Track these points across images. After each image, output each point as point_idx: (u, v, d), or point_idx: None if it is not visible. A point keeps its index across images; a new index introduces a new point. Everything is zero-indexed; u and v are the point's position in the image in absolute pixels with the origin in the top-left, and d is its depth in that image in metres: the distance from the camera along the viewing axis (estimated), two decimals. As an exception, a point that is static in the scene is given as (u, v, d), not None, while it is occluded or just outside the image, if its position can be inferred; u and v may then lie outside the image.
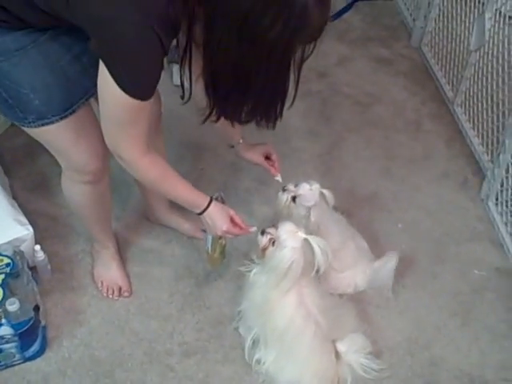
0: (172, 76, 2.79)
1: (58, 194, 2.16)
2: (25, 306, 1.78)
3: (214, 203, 1.70)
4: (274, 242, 1.69)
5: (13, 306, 1.74)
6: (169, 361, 1.89)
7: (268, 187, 2.36)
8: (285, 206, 1.95)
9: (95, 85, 1.41)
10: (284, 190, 1.95)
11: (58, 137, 1.60)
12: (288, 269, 1.64)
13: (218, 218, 1.69)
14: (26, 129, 1.58)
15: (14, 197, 2.20)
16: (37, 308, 1.84)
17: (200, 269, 2.13)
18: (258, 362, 1.84)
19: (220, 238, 1.84)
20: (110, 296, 2.03)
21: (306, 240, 1.63)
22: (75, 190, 1.80)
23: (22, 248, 1.97)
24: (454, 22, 2.77)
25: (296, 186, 1.94)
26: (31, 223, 2.04)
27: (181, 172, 2.41)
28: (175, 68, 2.81)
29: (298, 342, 1.76)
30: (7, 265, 1.84)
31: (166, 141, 2.52)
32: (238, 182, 2.43)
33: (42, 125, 1.54)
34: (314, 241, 1.62)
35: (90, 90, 1.56)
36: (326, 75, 2.91)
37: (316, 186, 1.91)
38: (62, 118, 1.54)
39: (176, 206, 2.18)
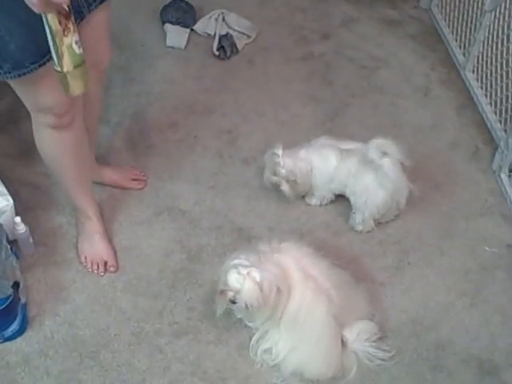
0: (165, 37, 2.64)
1: (42, 163, 2.03)
2: (2, 283, 1.69)
3: None
4: (234, 300, 1.64)
5: (-12, 283, 1.63)
6: (158, 341, 1.80)
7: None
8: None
9: None
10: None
11: (28, 82, 1.49)
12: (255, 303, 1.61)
13: None
14: (1, 79, 1.46)
15: (-5, 165, 2.08)
16: (16, 285, 1.76)
17: (192, 243, 2.02)
18: (266, 351, 1.76)
19: (65, 32, 1.28)
20: (96, 271, 1.92)
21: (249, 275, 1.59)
22: (45, 137, 1.70)
23: (1, 220, 1.86)
24: (467, -19, 2.61)
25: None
26: (12, 193, 1.93)
27: (173, 139, 2.33)
28: (169, 28, 2.66)
29: (310, 318, 1.68)
30: (-18, 239, 1.73)
31: (159, 105, 2.41)
32: (234, 150, 2.29)
33: (19, 75, 1.43)
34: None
35: None
36: (329, 37, 2.77)
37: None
38: (39, 66, 1.43)
39: (102, 161, 2.14)
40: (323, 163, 2.02)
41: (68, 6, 1.25)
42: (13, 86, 1.53)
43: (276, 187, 2.05)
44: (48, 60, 1.42)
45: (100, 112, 2.01)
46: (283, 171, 1.99)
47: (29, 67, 1.42)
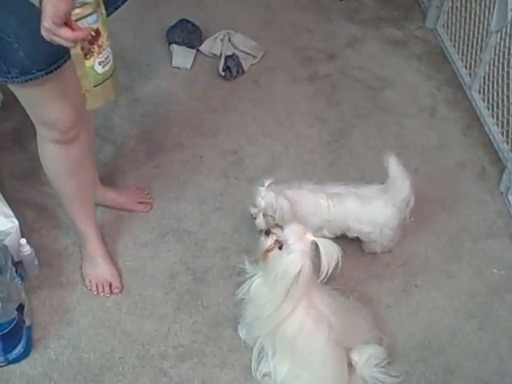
0: (172, 57, 2.65)
1: (48, 183, 2.04)
2: (7, 306, 1.68)
3: None
4: (280, 245, 1.56)
5: (-7, 306, 1.63)
6: (163, 365, 1.79)
7: (272, 176, 2.22)
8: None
9: None
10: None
11: (35, 91, 1.50)
12: (297, 275, 1.52)
13: (43, 9, 1.22)
14: (9, 84, 1.48)
15: (1, 185, 2.09)
16: (21, 307, 1.75)
17: (198, 265, 2.01)
18: (266, 375, 1.73)
19: (87, 56, 1.32)
20: (101, 294, 1.91)
21: (313, 243, 1.52)
22: (48, 151, 1.71)
23: (7, 242, 1.85)
24: (473, 1, 2.61)
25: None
26: (18, 214, 1.93)
27: (179, 159, 2.33)
28: (175, 49, 2.67)
29: (309, 348, 1.65)
30: (-12, 261, 1.72)
31: (165, 126, 2.41)
32: (240, 171, 2.29)
33: (26, 80, 1.43)
34: (321, 243, 1.51)
35: None
36: (335, 57, 2.76)
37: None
38: (46, 74, 1.43)
39: (107, 182, 2.15)
40: (315, 210, 1.92)
41: (96, 30, 1.28)
42: (19, 95, 1.54)
43: (252, 218, 1.93)
44: (55, 69, 1.44)
45: (95, 123, 2.00)
46: (262, 204, 1.88)
47: (35, 74, 1.42)
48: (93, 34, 1.28)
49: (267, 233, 1.60)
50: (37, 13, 1.35)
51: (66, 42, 1.23)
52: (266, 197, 1.87)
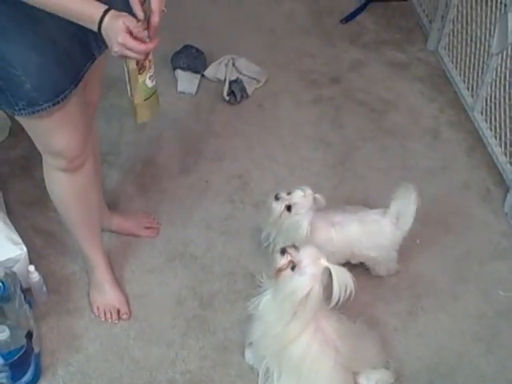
0: (177, 83, 2.68)
1: (55, 210, 2.05)
2: (16, 333, 1.68)
3: (111, 12, 1.31)
4: (293, 266, 1.57)
5: (2, 333, 1.64)
6: (171, 391, 1.79)
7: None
8: (279, 216, 1.87)
9: (85, 68, 1.46)
10: (277, 198, 1.86)
11: (42, 122, 1.52)
12: (304, 298, 1.53)
13: (111, 29, 1.32)
14: (15, 116, 1.50)
15: (9, 211, 2.11)
16: (29, 334, 1.75)
17: (205, 290, 2.02)
18: None
19: (140, 70, 1.42)
20: (109, 320, 1.91)
21: (326, 268, 1.53)
22: (54, 179, 1.72)
23: (15, 269, 1.87)
24: (474, 24, 2.64)
25: (288, 193, 1.87)
26: (26, 240, 1.95)
27: (185, 184, 2.35)
28: (180, 74, 2.70)
29: (315, 372, 1.64)
30: (-3, 288, 1.73)
31: (171, 151, 2.43)
32: (245, 195, 2.30)
33: (33, 112, 1.46)
34: (334, 271, 1.51)
35: (80, 73, 1.51)
36: (338, 80, 2.79)
37: (309, 192, 1.85)
38: (53, 105, 1.46)
39: (114, 207, 2.15)
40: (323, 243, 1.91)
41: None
42: (25, 126, 1.56)
43: (274, 198, 1.89)
44: (62, 99, 1.46)
45: (100, 146, 2.02)
46: (296, 197, 1.85)
47: (42, 105, 1.45)
48: None
49: (283, 252, 1.60)
50: (44, 46, 1.40)
51: (137, 54, 1.32)
52: (304, 197, 1.86)
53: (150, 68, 1.43)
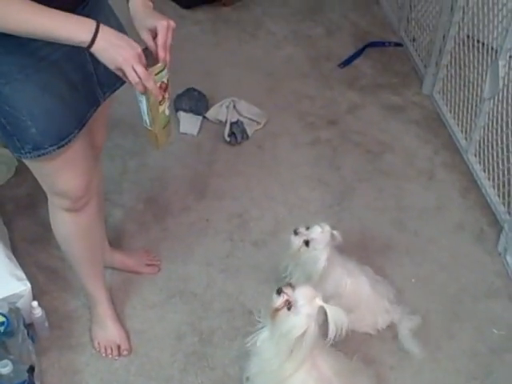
0: (179, 124, 2.76)
1: (58, 247, 2.09)
2: (18, 368, 1.71)
3: (103, 26, 1.31)
4: (289, 305, 1.60)
5: (5, 368, 1.67)
6: (170, 427, 1.80)
7: (277, 239, 2.29)
8: (297, 250, 1.93)
9: (89, 114, 1.52)
10: (296, 233, 1.93)
11: (47, 164, 1.57)
12: (300, 337, 1.56)
13: (113, 40, 1.31)
14: (22, 159, 1.55)
15: (14, 248, 2.15)
16: (31, 369, 1.77)
17: (204, 326, 2.05)
18: None
19: (161, 102, 1.49)
20: (110, 356, 1.94)
21: (321, 308, 1.56)
22: (59, 218, 1.76)
23: (19, 304, 1.90)
24: (467, 69, 2.72)
25: (307, 228, 1.93)
26: (30, 276, 1.98)
27: (186, 223, 2.40)
28: (182, 116, 2.78)
29: None
30: (1, 323, 1.77)
31: (172, 190, 2.49)
32: (245, 234, 2.35)
33: (39, 155, 1.51)
34: (329, 310, 1.54)
35: (84, 119, 1.56)
36: (335, 123, 2.86)
37: (327, 229, 1.91)
38: (58, 148, 1.51)
39: (116, 245, 2.18)
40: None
41: (167, 79, 1.45)
42: (31, 167, 1.61)
43: (294, 233, 1.94)
44: (67, 143, 1.51)
45: (103, 187, 2.07)
46: (315, 233, 1.91)
47: (48, 149, 1.49)
48: (165, 81, 1.46)
49: (279, 292, 1.64)
50: (49, 92, 1.45)
51: (135, 78, 1.33)
52: (322, 233, 1.91)
53: (168, 98, 1.52)
